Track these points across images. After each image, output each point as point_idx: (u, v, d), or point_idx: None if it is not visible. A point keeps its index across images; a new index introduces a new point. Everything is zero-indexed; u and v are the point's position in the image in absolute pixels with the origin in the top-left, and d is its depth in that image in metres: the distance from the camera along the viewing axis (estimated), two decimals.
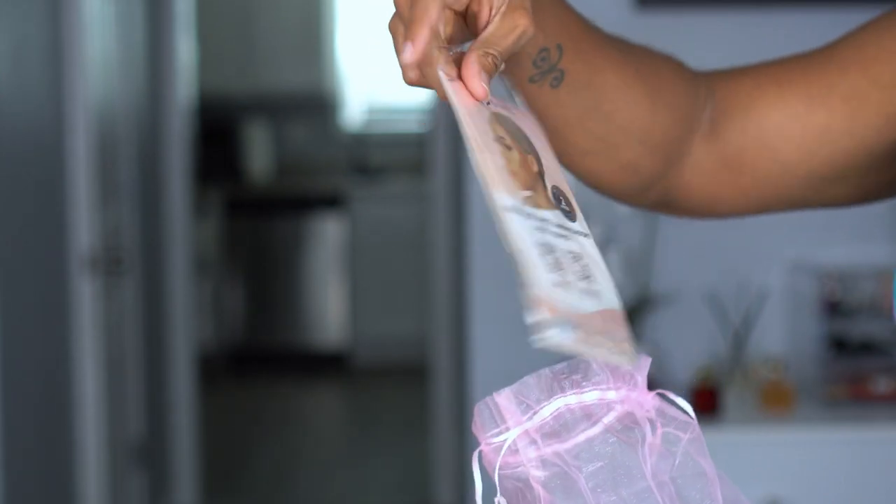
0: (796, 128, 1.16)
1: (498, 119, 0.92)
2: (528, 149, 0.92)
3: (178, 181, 4.92)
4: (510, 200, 0.89)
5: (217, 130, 7.62)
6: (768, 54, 3.46)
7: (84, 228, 3.54)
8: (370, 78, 7.90)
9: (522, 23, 0.90)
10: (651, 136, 1.14)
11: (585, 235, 0.91)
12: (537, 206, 0.90)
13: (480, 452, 0.89)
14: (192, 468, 5.03)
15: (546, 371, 0.91)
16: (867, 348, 3.02)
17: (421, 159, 7.33)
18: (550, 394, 0.90)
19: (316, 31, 7.66)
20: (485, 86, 0.88)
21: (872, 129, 1.14)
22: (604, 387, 0.90)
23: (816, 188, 1.18)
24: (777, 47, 3.43)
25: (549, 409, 0.89)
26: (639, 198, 1.18)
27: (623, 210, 3.01)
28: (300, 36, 7.64)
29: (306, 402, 7.01)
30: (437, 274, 5.14)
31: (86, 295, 3.55)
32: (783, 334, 3.16)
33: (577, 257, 0.90)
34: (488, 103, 0.92)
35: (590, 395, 0.89)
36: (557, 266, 0.88)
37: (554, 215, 0.90)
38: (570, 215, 0.91)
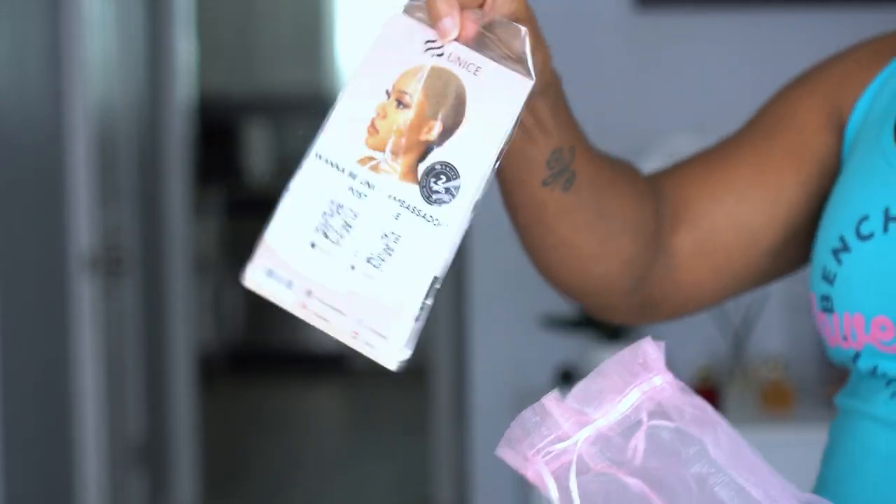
0: (756, 192, 1.21)
1: (430, 72, 0.91)
2: (440, 114, 0.90)
3: (178, 181, 4.91)
4: (334, 153, 0.89)
5: (217, 130, 7.61)
6: (768, 54, 3.47)
7: (84, 228, 3.54)
8: None
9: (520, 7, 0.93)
10: (641, 227, 1.18)
11: (436, 223, 0.88)
12: (380, 171, 0.89)
13: (532, 463, 0.88)
14: (192, 468, 5.03)
15: (578, 386, 0.90)
16: None
17: None
18: (601, 397, 0.89)
19: (316, 31, 7.66)
20: (474, 20, 0.91)
21: (816, 181, 1.21)
22: (639, 383, 0.89)
23: (775, 255, 1.23)
24: (777, 47, 3.46)
25: (625, 404, 0.88)
26: (632, 297, 1.21)
27: None
28: (300, 36, 7.64)
29: (306, 403, 7.01)
30: None
31: (86, 295, 3.55)
32: (783, 334, 3.16)
33: (388, 238, 0.88)
34: (437, 53, 0.91)
35: (633, 395, 0.90)
36: (329, 231, 0.88)
37: (398, 188, 0.88)
38: (437, 198, 0.88)
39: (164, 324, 4.82)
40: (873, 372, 1.12)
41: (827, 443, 1.21)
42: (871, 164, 1.14)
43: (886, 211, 1.10)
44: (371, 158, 0.89)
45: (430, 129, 0.90)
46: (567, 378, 2.91)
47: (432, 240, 0.88)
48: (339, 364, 7.52)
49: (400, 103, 0.90)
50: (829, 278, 1.13)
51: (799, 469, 3.13)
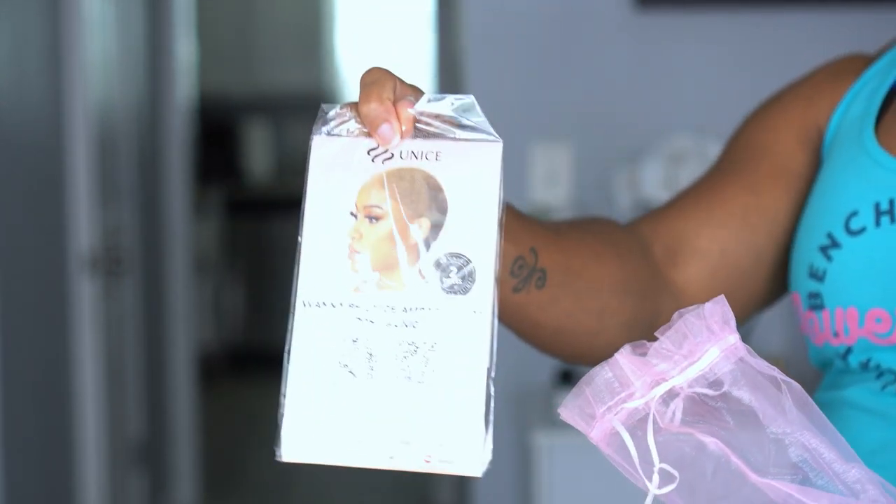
0: (758, 216, 1.23)
1: (391, 177, 0.87)
2: (422, 211, 0.86)
3: (178, 181, 4.91)
4: (323, 296, 0.85)
5: (217, 130, 7.61)
6: (768, 54, 3.46)
7: (84, 228, 3.54)
8: None
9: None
10: (631, 284, 1.18)
11: (473, 312, 0.84)
12: (383, 287, 0.85)
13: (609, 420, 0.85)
14: (192, 468, 5.03)
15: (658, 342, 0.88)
16: None
17: None
18: (678, 353, 0.87)
19: (316, 31, 7.66)
20: (409, 108, 0.89)
21: (804, 198, 1.24)
22: (716, 340, 0.88)
23: (778, 274, 1.25)
24: (777, 47, 3.45)
25: (704, 362, 0.87)
26: None
27: (623, 209, 3.01)
28: (300, 36, 7.64)
29: None
30: None
31: (86, 295, 3.55)
32: (783, 334, 3.16)
33: (422, 349, 0.84)
34: (385, 159, 0.88)
35: (712, 353, 0.88)
36: (356, 369, 0.84)
37: (407, 297, 0.84)
38: (459, 288, 0.84)
39: (164, 324, 4.83)
40: (865, 365, 1.14)
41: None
42: (854, 163, 1.17)
43: (877, 206, 1.13)
44: (366, 282, 0.86)
45: (420, 228, 0.86)
46: (567, 378, 2.91)
47: (468, 332, 0.84)
48: None
49: (372, 218, 0.87)
50: (817, 275, 1.15)
51: None
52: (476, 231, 0.86)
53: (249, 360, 7.49)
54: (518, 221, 1.08)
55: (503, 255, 1.02)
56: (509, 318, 1.12)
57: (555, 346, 1.17)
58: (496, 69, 3.13)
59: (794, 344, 3.15)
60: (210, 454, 5.60)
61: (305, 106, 7.84)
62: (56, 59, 3.43)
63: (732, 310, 1.23)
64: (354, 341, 0.85)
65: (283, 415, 0.86)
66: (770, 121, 1.26)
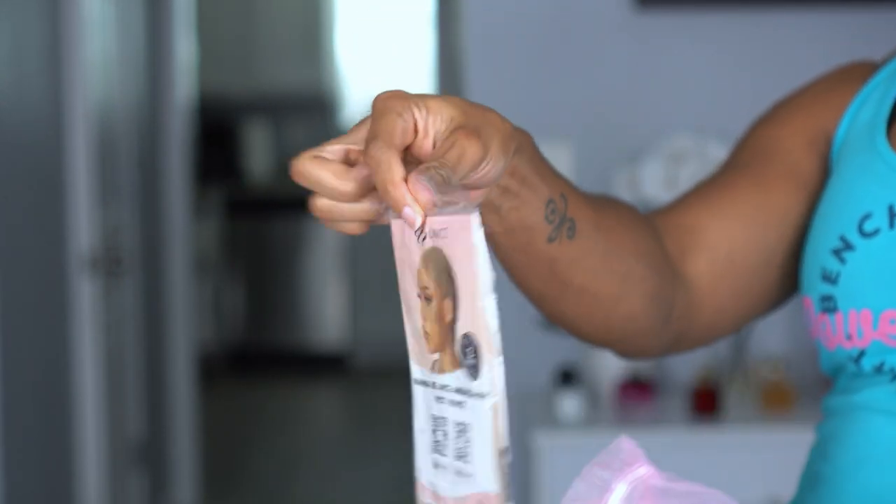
0: (767, 215, 1.23)
1: (427, 257, 0.87)
2: (448, 289, 0.86)
3: (178, 181, 4.92)
4: (419, 372, 0.89)
5: (217, 130, 7.61)
6: (768, 54, 3.46)
7: (84, 228, 3.54)
8: (370, 78, 7.90)
9: (469, 147, 0.86)
10: (656, 260, 1.17)
11: (481, 396, 0.84)
12: (441, 370, 0.87)
13: None
14: (192, 468, 5.03)
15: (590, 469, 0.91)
16: None
17: None
18: (587, 499, 0.89)
19: (316, 31, 7.66)
20: (428, 194, 0.84)
21: (814, 199, 1.24)
22: (624, 476, 0.90)
23: (787, 275, 1.25)
24: (777, 47, 3.45)
25: (614, 498, 0.90)
26: (660, 334, 1.21)
27: None
28: (300, 36, 7.64)
29: (306, 403, 7.01)
30: None
31: (86, 295, 3.55)
32: (783, 334, 3.16)
33: (462, 430, 0.85)
34: (423, 238, 0.86)
35: (621, 489, 0.90)
36: (439, 446, 0.87)
37: (454, 378, 0.86)
38: (474, 371, 0.84)
39: (164, 324, 4.83)
40: (879, 368, 1.14)
41: (816, 443, 1.23)
42: (867, 166, 1.17)
43: (891, 208, 1.14)
44: (436, 362, 0.88)
45: (449, 309, 0.86)
46: (567, 378, 2.91)
47: (485, 417, 0.84)
48: (339, 364, 7.52)
49: (427, 300, 0.88)
50: (830, 278, 1.16)
51: (799, 469, 3.11)
52: (475, 307, 0.85)
53: (249, 360, 7.49)
54: (547, 167, 1.04)
55: (536, 198, 1.02)
56: (541, 276, 1.09)
57: (576, 313, 1.14)
58: (496, 69, 3.13)
59: (795, 344, 3.15)
60: (210, 454, 5.60)
61: (305, 106, 7.85)
62: (56, 59, 3.43)
63: (740, 310, 1.24)
64: (437, 419, 0.88)
65: (419, 487, 0.91)
66: (778, 126, 1.26)
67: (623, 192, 2.98)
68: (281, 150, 7.92)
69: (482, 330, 0.84)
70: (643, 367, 3.00)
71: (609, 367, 2.99)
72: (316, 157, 0.89)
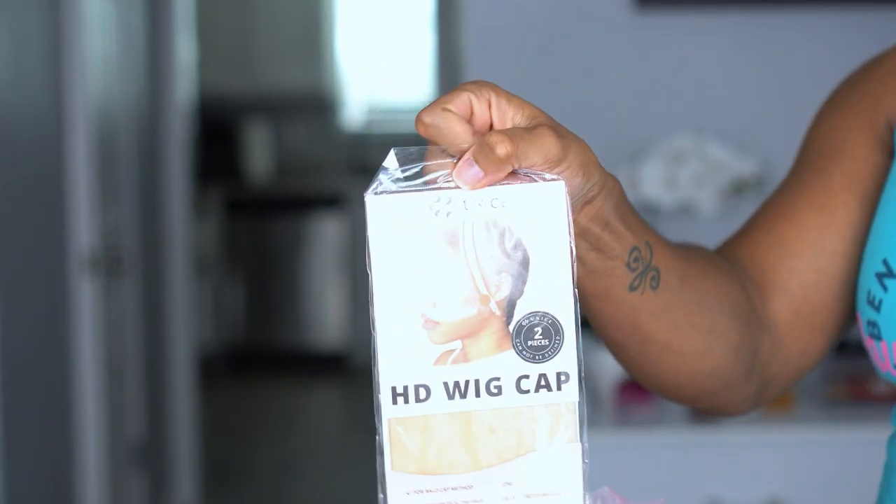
0: (833, 240, 1.15)
1: (453, 234, 0.80)
2: (497, 268, 0.80)
3: (178, 181, 4.92)
4: (398, 379, 0.79)
5: (217, 130, 7.61)
6: (768, 54, 3.45)
7: (84, 228, 3.54)
8: (370, 78, 7.90)
9: (548, 140, 0.83)
10: (739, 309, 1.11)
11: (562, 381, 0.80)
12: (463, 360, 0.80)
13: None
14: (192, 468, 5.03)
15: None
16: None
17: None
18: None
19: (316, 31, 7.66)
20: (477, 173, 0.81)
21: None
22: None
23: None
24: (777, 47, 3.45)
25: None
26: (746, 387, 1.14)
27: None
28: (300, 36, 7.64)
29: (306, 403, 7.01)
30: None
31: (86, 295, 3.55)
32: None
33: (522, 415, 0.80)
34: (450, 213, 0.80)
35: None
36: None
37: (496, 362, 0.80)
38: (543, 353, 0.80)
39: (164, 324, 4.83)
40: None
41: (889, 458, 1.20)
42: None
43: None
44: (449, 353, 0.80)
45: (500, 286, 0.80)
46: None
47: (556, 398, 0.80)
48: (339, 364, 7.52)
49: (445, 283, 0.80)
50: (874, 304, 1.09)
51: (799, 469, 3.12)
52: (553, 284, 0.80)
53: (249, 360, 7.48)
54: (633, 214, 0.98)
55: (619, 245, 0.96)
56: (622, 327, 1.04)
57: (659, 370, 1.08)
58: (496, 69, 3.13)
59: None
60: (210, 454, 5.60)
61: (305, 106, 7.85)
62: (56, 58, 3.43)
63: (823, 342, 1.16)
64: (449, 415, 0.81)
65: (383, 472, 0.81)
66: (840, 121, 1.17)
67: None
68: (281, 150, 7.92)
69: (565, 310, 0.80)
70: None
71: (609, 367, 2.99)
72: (445, 109, 0.84)
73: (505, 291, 0.80)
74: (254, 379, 7.30)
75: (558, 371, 0.81)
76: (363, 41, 7.86)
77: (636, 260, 0.98)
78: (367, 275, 0.82)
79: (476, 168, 0.81)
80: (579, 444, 0.81)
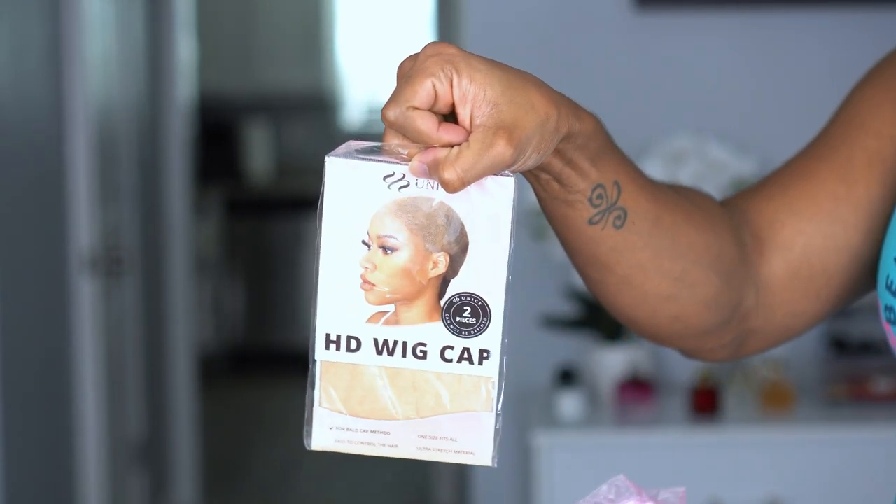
0: (850, 210, 1.13)
1: (403, 207, 0.86)
2: (440, 244, 0.86)
3: (178, 181, 4.92)
4: (333, 327, 0.86)
5: (217, 130, 7.61)
6: (768, 54, 3.45)
7: (84, 228, 3.54)
8: (370, 78, 7.90)
9: (499, 147, 0.87)
10: (721, 263, 1.10)
11: (483, 358, 0.87)
12: (399, 322, 0.86)
13: None
14: (192, 468, 5.03)
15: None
16: (867, 348, 3.02)
17: None
18: None
19: (316, 31, 7.66)
20: (429, 175, 0.86)
21: None
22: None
23: (871, 273, 1.16)
24: (777, 47, 3.44)
25: None
26: (719, 336, 1.14)
27: None
28: (300, 36, 7.64)
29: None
30: None
31: (86, 295, 3.55)
32: None
33: (439, 381, 0.87)
34: (406, 184, 0.86)
35: None
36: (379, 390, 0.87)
37: (426, 330, 0.86)
38: (467, 329, 0.87)
39: (164, 324, 4.83)
40: None
41: None
42: None
43: None
44: (382, 314, 0.87)
45: (437, 264, 0.86)
46: (567, 378, 2.91)
47: (476, 370, 0.87)
48: None
49: (387, 249, 0.86)
50: (891, 289, 1.08)
51: (799, 469, 3.12)
52: (489, 271, 0.87)
53: (249, 360, 7.48)
54: (607, 154, 1.01)
55: (581, 180, 0.99)
56: (581, 254, 1.06)
57: (618, 302, 1.09)
58: None
59: (795, 344, 3.14)
60: (210, 454, 5.60)
61: (305, 106, 7.85)
62: (56, 58, 3.43)
63: (815, 310, 1.15)
64: (377, 367, 0.87)
65: (312, 406, 0.89)
66: (868, 98, 1.14)
67: None
68: (281, 150, 7.92)
69: (495, 294, 0.87)
70: (643, 366, 3.00)
71: (609, 366, 2.99)
72: (411, 107, 0.87)
73: (441, 269, 0.86)
74: (254, 379, 7.30)
75: (482, 348, 0.87)
76: (363, 41, 7.86)
77: (599, 197, 1.01)
78: (318, 232, 0.88)
79: (427, 172, 0.87)
80: (493, 413, 0.87)
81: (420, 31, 7.64)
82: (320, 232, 0.87)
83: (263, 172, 7.76)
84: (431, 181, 0.86)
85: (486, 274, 0.87)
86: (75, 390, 3.55)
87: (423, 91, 0.87)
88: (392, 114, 0.87)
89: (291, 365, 7.46)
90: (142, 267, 4.39)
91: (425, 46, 0.89)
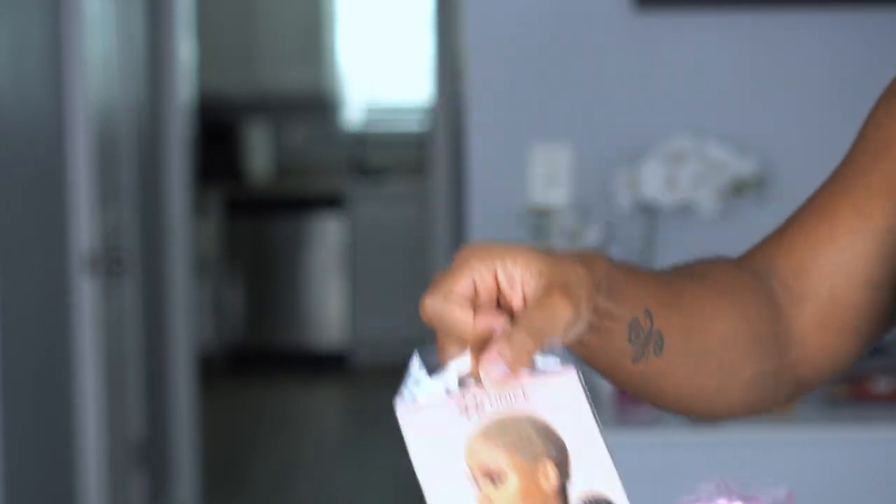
0: (867, 243, 1.12)
1: (490, 434, 0.83)
2: (543, 456, 0.83)
3: (178, 181, 4.92)
4: None
5: (217, 130, 7.61)
6: (768, 54, 3.45)
7: (84, 228, 3.54)
8: (370, 78, 7.90)
9: (563, 310, 0.87)
10: (753, 340, 1.10)
11: None
12: None
13: None
14: (192, 468, 5.03)
15: None
16: None
17: (421, 159, 7.33)
18: None
19: (316, 31, 7.66)
20: (501, 371, 0.84)
21: None
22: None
23: None
24: (777, 47, 3.44)
25: None
26: (773, 398, 1.14)
27: (623, 210, 3.01)
28: (300, 36, 7.64)
29: (306, 402, 7.01)
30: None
31: (86, 295, 3.55)
32: None
33: None
34: (482, 409, 0.83)
35: None
36: None
37: None
38: None
39: (164, 324, 4.83)
40: None
41: None
42: None
43: None
44: None
45: (547, 477, 0.83)
46: None
47: None
48: (339, 364, 7.52)
49: (492, 479, 0.82)
50: None
51: (799, 468, 3.12)
52: (596, 465, 0.83)
53: (249, 360, 7.49)
54: (628, 281, 0.99)
55: (618, 326, 0.97)
56: (633, 389, 1.05)
57: (677, 406, 1.09)
58: (496, 69, 3.13)
59: None
60: (210, 454, 5.60)
61: (305, 106, 7.85)
62: (56, 58, 3.43)
63: (854, 344, 1.14)
64: None
65: None
66: (888, 117, 1.13)
67: (623, 192, 2.98)
68: (281, 150, 7.92)
69: (614, 484, 0.82)
70: None
71: None
72: (447, 299, 0.87)
73: (554, 479, 0.83)
74: (254, 379, 7.30)
75: None
76: (363, 41, 7.86)
77: (637, 334, 0.99)
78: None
79: (502, 366, 0.84)
80: None
81: (420, 31, 7.64)
82: (424, 489, 0.83)
83: (263, 172, 7.76)
84: (504, 396, 0.84)
85: (596, 468, 0.83)
86: (75, 390, 3.55)
87: (462, 283, 0.87)
88: (430, 305, 0.86)
89: (291, 365, 7.46)
90: (142, 267, 4.39)
91: (463, 247, 0.89)
